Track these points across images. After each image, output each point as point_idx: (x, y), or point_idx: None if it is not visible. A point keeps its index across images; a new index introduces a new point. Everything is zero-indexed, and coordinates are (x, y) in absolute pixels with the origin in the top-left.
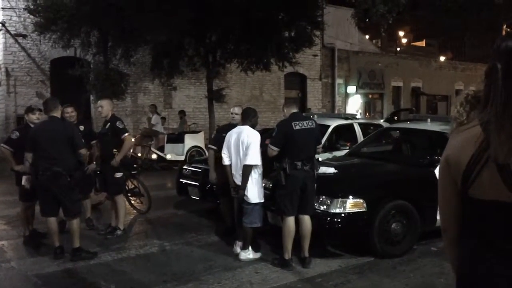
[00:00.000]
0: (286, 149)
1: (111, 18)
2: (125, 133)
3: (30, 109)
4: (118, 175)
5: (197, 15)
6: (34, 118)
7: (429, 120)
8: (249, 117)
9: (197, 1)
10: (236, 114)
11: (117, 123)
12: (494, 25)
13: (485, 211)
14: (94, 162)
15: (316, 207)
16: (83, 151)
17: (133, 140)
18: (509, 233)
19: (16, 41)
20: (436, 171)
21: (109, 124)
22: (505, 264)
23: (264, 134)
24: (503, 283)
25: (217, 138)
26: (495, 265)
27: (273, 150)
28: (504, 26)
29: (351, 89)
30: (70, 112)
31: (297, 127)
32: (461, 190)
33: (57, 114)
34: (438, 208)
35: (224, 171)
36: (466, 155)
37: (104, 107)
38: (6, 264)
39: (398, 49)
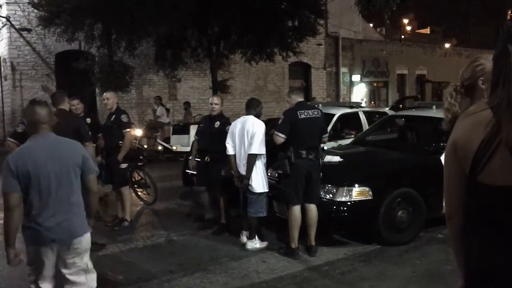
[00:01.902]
0: (291, 138)
1: (113, 11)
2: (126, 129)
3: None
4: (123, 165)
5: (198, 7)
6: None
7: (434, 107)
8: (253, 107)
9: None
10: (215, 104)
11: (122, 116)
12: (498, 11)
13: (497, 197)
14: (100, 156)
15: (322, 195)
16: (89, 143)
17: (141, 133)
18: None
19: (21, 35)
20: (442, 158)
21: (114, 116)
22: None
23: (269, 124)
24: None
25: (198, 129)
26: (509, 253)
27: (280, 136)
28: (509, 12)
29: (356, 77)
30: (76, 104)
31: (302, 116)
32: (469, 176)
33: (64, 107)
34: (443, 195)
35: (228, 161)
36: (476, 139)
37: (110, 99)
38: None
39: (403, 36)
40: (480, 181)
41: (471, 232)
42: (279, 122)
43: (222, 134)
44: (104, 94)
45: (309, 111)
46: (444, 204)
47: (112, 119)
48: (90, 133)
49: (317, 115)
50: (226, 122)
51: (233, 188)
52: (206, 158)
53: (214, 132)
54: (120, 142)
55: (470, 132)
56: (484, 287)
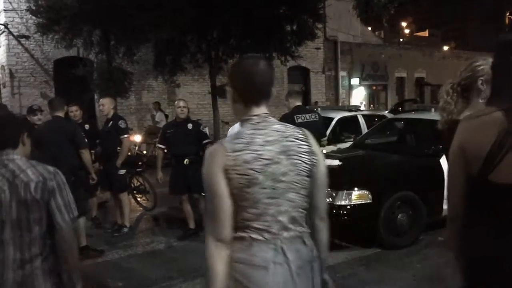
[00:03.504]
0: None
1: (112, 17)
2: (124, 134)
3: (31, 110)
4: (122, 172)
5: (198, 12)
6: (36, 119)
7: (433, 109)
8: None
9: None
10: (184, 107)
11: (119, 122)
12: (497, 13)
13: (508, 194)
14: (97, 163)
15: None
16: (85, 151)
17: (140, 139)
18: None
19: (19, 42)
20: (441, 161)
21: (111, 122)
22: None
23: None
24: None
25: (163, 136)
26: None
27: None
28: (507, 14)
29: (355, 81)
30: (75, 111)
31: (300, 120)
32: (478, 176)
33: (61, 114)
34: (448, 196)
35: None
36: (487, 140)
37: (105, 106)
38: None
39: (401, 40)
40: (491, 180)
41: (479, 231)
42: None
43: (197, 135)
44: (100, 100)
45: (307, 115)
46: (447, 206)
47: (109, 125)
48: (88, 139)
49: (315, 119)
50: (198, 123)
51: None
52: (185, 161)
53: (188, 135)
54: (118, 148)
55: (479, 134)
56: (491, 285)
